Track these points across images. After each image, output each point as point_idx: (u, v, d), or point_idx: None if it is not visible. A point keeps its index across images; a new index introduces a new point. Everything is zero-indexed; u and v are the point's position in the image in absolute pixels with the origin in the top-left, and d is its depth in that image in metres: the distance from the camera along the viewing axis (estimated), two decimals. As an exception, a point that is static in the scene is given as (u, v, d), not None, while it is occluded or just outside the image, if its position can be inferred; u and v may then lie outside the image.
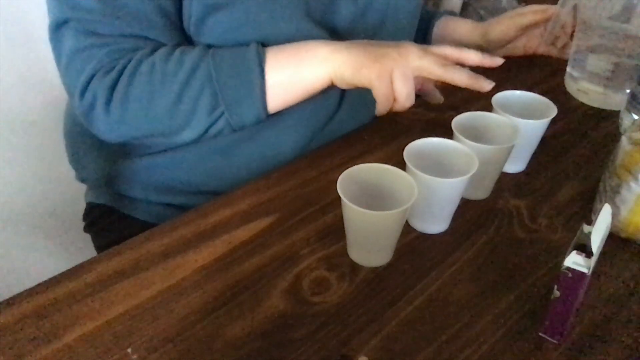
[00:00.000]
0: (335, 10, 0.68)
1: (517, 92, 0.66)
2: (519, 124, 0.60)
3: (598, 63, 0.80)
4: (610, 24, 0.78)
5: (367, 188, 0.53)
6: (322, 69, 0.63)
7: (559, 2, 0.85)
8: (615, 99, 0.81)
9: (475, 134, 0.59)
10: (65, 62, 0.63)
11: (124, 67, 0.61)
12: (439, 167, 0.56)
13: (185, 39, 0.66)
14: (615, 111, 0.79)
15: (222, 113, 0.62)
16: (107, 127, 0.64)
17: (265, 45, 0.64)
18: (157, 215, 0.75)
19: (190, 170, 0.71)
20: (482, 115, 0.62)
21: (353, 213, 0.49)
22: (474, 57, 0.65)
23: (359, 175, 0.52)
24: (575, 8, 0.84)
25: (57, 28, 0.61)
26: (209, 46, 0.64)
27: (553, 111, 0.63)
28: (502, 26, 0.86)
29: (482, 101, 0.67)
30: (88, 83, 0.61)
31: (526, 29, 0.87)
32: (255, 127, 0.66)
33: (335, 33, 0.69)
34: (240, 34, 0.64)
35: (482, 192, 0.62)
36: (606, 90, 0.81)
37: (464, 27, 0.88)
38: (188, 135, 0.64)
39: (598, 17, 0.79)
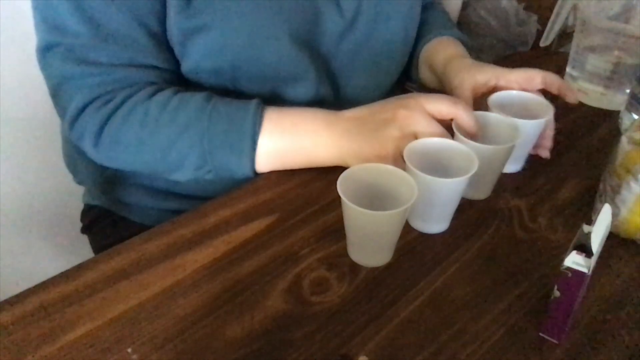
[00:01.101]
0: (321, 27, 0.67)
1: (513, 92, 0.66)
2: (518, 124, 0.60)
3: (598, 63, 0.80)
4: (610, 24, 0.78)
5: (367, 188, 0.53)
6: (327, 157, 0.62)
7: (559, 2, 0.85)
8: (615, 99, 0.81)
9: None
10: (55, 87, 0.62)
11: (118, 107, 0.61)
12: (439, 167, 0.56)
13: (177, 61, 0.65)
14: (615, 111, 0.79)
15: (210, 171, 0.62)
16: (96, 158, 0.64)
17: (248, 69, 0.64)
18: (154, 219, 0.75)
19: (173, 182, 0.71)
20: (482, 115, 0.62)
21: (353, 213, 0.49)
22: (473, 128, 0.59)
23: (359, 175, 0.52)
24: (575, 8, 0.84)
25: (46, 51, 0.60)
26: (211, 89, 0.64)
27: (550, 111, 0.63)
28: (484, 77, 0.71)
29: (481, 100, 0.67)
30: (78, 114, 0.61)
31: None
32: None
33: (320, 49, 0.69)
34: (220, 57, 0.63)
35: (482, 193, 0.62)
36: (606, 90, 0.81)
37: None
38: (177, 178, 0.64)
39: (598, 17, 0.79)
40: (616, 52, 0.78)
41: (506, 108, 0.62)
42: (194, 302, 0.49)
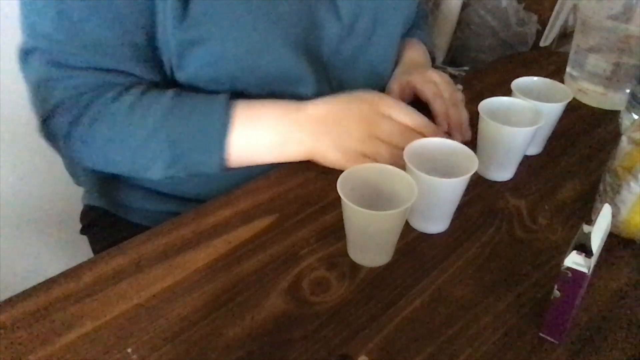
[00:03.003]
0: (320, 33, 0.67)
1: (534, 77, 0.71)
2: (541, 107, 0.64)
3: (598, 63, 0.80)
4: (610, 24, 0.78)
5: (367, 188, 0.53)
6: (296, 154, 0.63)
7: (559, 2, 0.85)
8: (615, 99, 0.81)
9: (500, 118, 0.62)
10: (32, 90, 0.62)
11: (87, 106, 0.60)
12: (439, 166, 0.56)
13: (159, 71, 0.64)
14: (615, 111, 0.79)
15: (180, 170, 0.62)
16: (68, 158, 0.65)
17: (247, 78, 0.64)
18: (154, 221, 0.75)
19: (182, 181, 0.70)
20: (507, 100, 0.65)
21: (353, 213, 0.49)
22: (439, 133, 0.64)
23: (359, 175, 0.52)
24: (575, 8, 0.84)
25: (26, 55, 0.61)
26: (186, 85, 0.64)
27: (568, 95, 0.67)
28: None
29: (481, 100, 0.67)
30: (50, 115, 0.61)
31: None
32: None
33: (319, 56, 0.68)
34: (218, 67, 0.63)
35: (506, 174, 0.66)
36: (606, 90, 0.81)
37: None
38: (149, 177, 0.64)
39: (598, 17, 0.79)
40: (616, 52, 0.78)
41: (528, 93, 0.66)
42: (194, 302, 0.49)
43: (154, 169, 0.62)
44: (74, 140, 0.62)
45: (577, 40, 0.82)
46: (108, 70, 0.61)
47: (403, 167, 0.53)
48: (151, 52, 0.62)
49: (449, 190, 0.54)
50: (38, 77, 0.61)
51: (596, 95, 0.82)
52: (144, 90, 0.62)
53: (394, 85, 0.76)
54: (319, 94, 0.69)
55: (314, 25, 0.66)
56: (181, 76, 0.65)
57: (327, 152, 0.62)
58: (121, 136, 0.61)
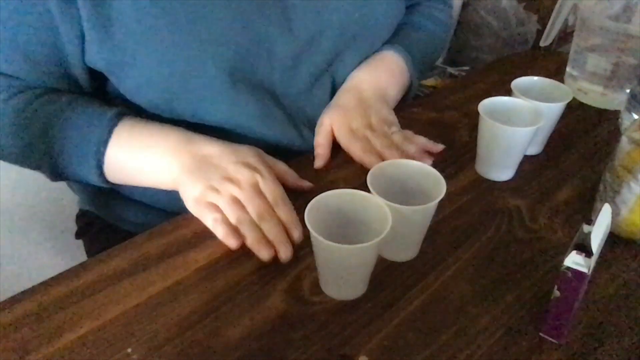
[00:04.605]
0: (268, 51, 0.62)
1: (534, 77, 0.71)
2: (541, 107, 0.64)
3: (598, 63, 0.80)
4: (610, 24, 0.78)
5: (338, 215, 0.49)
6: (167, 184, 0.60)
7: (559, 2, 0.85)
8: (615, 99, 0.81)
9: (500, 118, 0.61)
10: None
11: None
12: (406, 189, 0.54)
13: (70, 85, 0.63)
14: (615, 111, 0.79)
15: (67, 178, 0.63)
16: None
17: (178, 104, 0.61)
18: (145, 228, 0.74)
19: (170, 197, 0.67)
20: (507, 99, 0.65)
21: (323, 246, 0.45)
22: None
23: (329, 202, 0.49)
24: (575, 8, 0.84)
25: None
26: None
27: (568, 95, 0.67)
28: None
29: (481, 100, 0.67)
30: None
31: None
32: None
33: (267, 79, 0.64)
34: (149, 90, 0.61)
35: (506, 175, 0.65)
36: (606, 90, 0.81)
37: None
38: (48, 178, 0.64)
39: (598, 17, 0.79)
40: (616, 52, 0.78)
41: (528, 93, 0.66)
42: (194, 302, 0.49)
43: (44, 172, 0.63)
44: None
45: (577, 40, 0.82)
46: (9, 76, 0.61)
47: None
48: (60, 68, 0.61)
49: (418, 217, 0.51)
50: None
51: (596, 95, 0.82)
52: (39, 94, 0.61)
53: (325, 119, 0.68)
54: (264, 120, 0.65)
55: (259, 44, 0.61)
56: (126, 95, 0.63)
57: (180, 183, 0.58)
58: (7, 138, 0.61)
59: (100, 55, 0.59)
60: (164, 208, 0.71)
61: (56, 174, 0.62)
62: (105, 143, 0.59)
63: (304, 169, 0.65)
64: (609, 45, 0.78)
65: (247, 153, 0.59)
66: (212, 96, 0.62)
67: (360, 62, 0.73)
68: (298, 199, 0.61)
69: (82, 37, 0.58)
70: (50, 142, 0.60)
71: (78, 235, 0.84)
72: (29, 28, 0.57)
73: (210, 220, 0.55)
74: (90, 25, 0.56)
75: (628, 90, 0.75)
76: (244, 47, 0.61)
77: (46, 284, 0.50)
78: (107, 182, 0.62)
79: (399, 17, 0.77)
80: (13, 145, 0.62)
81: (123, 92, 0.63)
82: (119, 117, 0.60)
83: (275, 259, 0.53)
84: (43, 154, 0.61)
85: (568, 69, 0.86)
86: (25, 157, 0.63)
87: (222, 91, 0.61)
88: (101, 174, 0.60)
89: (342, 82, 0.72)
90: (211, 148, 0.59)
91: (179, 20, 0.57)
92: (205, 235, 0.56)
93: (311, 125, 0.70)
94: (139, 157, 0.60)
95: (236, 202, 0.55)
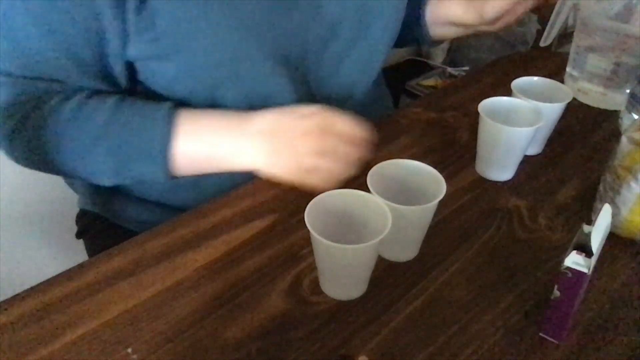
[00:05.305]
0: (302, 37, 0.64)
1: (535, 77, 0.71)
2: (541, 107, 0.64)
3: (598, 63, 0.80)
4: (610, 24, 0.78)
5: (337, 215, 0.49)
6: (244, 165, 0.61)
7: (559, 2, 0.85)
8: (615, 99, 0.81)
9: (500, 118, 0.61)
10: None
11: (30, 112, 0.59)
12: (405, 189, 0.54)
13: (111, 82, 0.62)
14: (615, 111, 0.79)
15: (126, 178, 0.62)
16: (15, 160, 0.64)
17: (224, 90, 0.62)
18: (146, 227, 0.74)
19: (178, 191, 0.70)
20: (506, 100, 0.65)
21: (323, 247, 0.46)
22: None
23: (328, 202, 0.49)
24: (575, 8, 0.84)
25: None
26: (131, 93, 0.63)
27: (568, 95, 0.67)
28: (498, 3, 0.80)
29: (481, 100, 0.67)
30: None
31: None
32: None
33: (303, 60, 0.66)
34: (193, 79, 0.61)
35: (506, 174, 0.65)
36: (606, 90, 0.81)
37: (457, 8, 0.81)
38: (99, 183, 0.63)
39: (598, 17, 0.79)
40: (616, 52, 0.78)
41: (528, 93, 0.66)
42: (194, 302, 0.49)
43: (100, 176, 0.62)
44: (18, 144, 0.61)
45: (577, 40, 0.82)
46: (51, 80, 0.59)
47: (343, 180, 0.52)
48: (100, 66, 0.60)
49: (418, 218, 0.51)
50: None
51: (596, 95, 0.82)
52: (87, 96, 0.61)
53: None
54: (301, 97, 0.67)
55: (294, 30, 0.63)
56: (157, 86, 0.63)
57: (270, 167, 0.60)
58: (65, 144, 0.60)
59: (141, 48, 0.59)
60: (165, 203, 0.71)
61: (118, 173, 0.61)
62: (168, 137, 0.59)
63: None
64: (609, 46, 0.78)
65: (312, 111, 0.61)
66: (256, 81, 0.63)
67: (374, 52, 0.75)
68: (299, 198, 0.61)
69: (126, 31, 0.58)
70: (111, 140, 0.59)
71: (79, 235, 0.84)
72: (77, 29, 0.57)
73: (315, 182, 0.57)
74: (135, 17, 0.56)
75: (628, 90, 0.75)
76: (283, 33, 0.63)
77: (46, 284, 0.50)
78: (173, 177, 0.61)
79: (401, 17, 0.79)
80: (74, 146, 0.60)
81: (156, 86, 0.63)
82: (174, 110, 0.60)
83: (276, 258, 0.53)
84: (104, 154, 0.60)
85: (568, 69, 0.86)
86: (86, 161, 0.61)
87: (266, 75, 0.63)
88: (168, 169, 0.60)
89: (358, 72, 0.74)
90: (278, 119, 0.61)
91: (224, 6, 0.58)
92: (206, 235, 0.56)
93: (337, 105, 0.72)
94: (211, 145, 0.60)
95: (324, 154, 0.58)
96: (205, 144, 0.60)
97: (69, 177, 0.65)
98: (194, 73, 0.61)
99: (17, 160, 0.63)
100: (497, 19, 0.79)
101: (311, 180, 0.58)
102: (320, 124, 0.59)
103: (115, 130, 0.59)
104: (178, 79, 0.62)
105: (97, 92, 0.62)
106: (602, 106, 0.82)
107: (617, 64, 0.79)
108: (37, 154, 0.61)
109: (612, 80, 0.80)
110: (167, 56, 0.60)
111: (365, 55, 0.73)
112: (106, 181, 0.62)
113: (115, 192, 0.73)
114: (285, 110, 0.61)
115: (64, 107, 0.59)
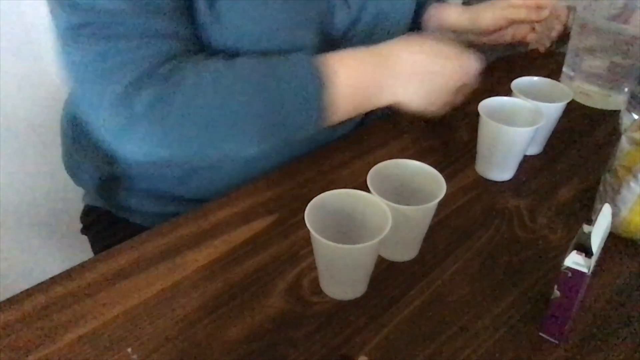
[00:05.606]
0: (331, 19, 0.67)
1: (534, 77, 0.71)
2: (542, 107, 0.64)
3: (594, 63, 0.81)
4: (607, 25, 0.78)
5: (337, 215, 0.49)
6: (388, 101, 0.65)
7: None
8: (615, 99, 0.81)
9: (500, 118, 0.62)
10: (84, 74, 0.54)
11: (167, 78, 0.54)
12: (405, 190, 0.54)
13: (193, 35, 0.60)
14: (615, 111, 0.79)
15: (279, 137, 0.61)
16: (144, 148, 0.56)
17: (264, 44, 0.62)
18: (154, 222, 0.74)
19: (181, 183, 0.70)
20: (506, 100, 0.66)
21: (323, 246, 0.46)
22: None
23: (328, 202, 0.49)
24: (572, 8, 0.85)
25: (70, 36, 0.53)
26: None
27: (568, 95, 0.67)
28: (492, 15, 0.86)
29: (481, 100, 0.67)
30: (124, 96, 0.53)
31: (517, 21, 0.87)
32: None
33: (330, 39, 0.68)
34: (239, 46, 0.60)
35: (507, 174, 0.66)
36: (605, 90, 0.81)
37: (453, 13, 0.87)
38: (239, 152, 0.61)
39: (595, 17, 0.79)
40: (613, 53, 0.78)
41: (528, 93, 0.66)
42: (194, 302, 0.49)
43: (248, 144, 0.59)
44: (165, 122, 0.55)
45: (575, 41, 0.82)
46: (165, 35, 0.55)
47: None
48: (189, 14, 0.58)
49: (418, 217, 0.50)
50: (93, 56, 0.53)
51: (596, 95, 0.82)
52: (224, 58, 0.59)
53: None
54: None
55: (325, 10, 0.66)
56: (224, 35, 0.61)
57: (414, 102, 0.65)
58: (220, 108, 0.56)
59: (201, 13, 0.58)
60: (170, 192, 0.72)
61: (268, 138, 0.59)
62: (321, 80, 0.59)
63: (312, 165, 0.65)
64: (606, 46, 0.78)
65: (448, 51, 0.67)
66: (290, 46, 0.63)
67: (397, 25, 0.77)
68: (299, 198, 0.61)
69: None
70: (264, 97, 0.57)
71: (83, 232, 0.85)
72: None
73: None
74: None
75: (628, 90, 0.75)
76: (319, 12, 0.65)
77: (46, 284, 0.50)
78: (322, 125, 0.61)
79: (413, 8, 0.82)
80: (228, 108, 0.56)
81: (224, 33, 0.61)
82: (316, 57, 0.61)
83: (276, 258, 0.53)
84: (263, 108, 0.57)
85: (564, 69, 0.86)
86: (243, 120, 0.57)
87: (306, 51, 0.63)
88: (322, 114, 0.60)
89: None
90: (423, 61, 0.66)
91: None
92: (206, 235, 0.56)
93: None
94: (362, 84, 0.63)
95: (461, 90, 0.66)
96: (356, 86, 0.62)
97: (202, 157, 0.64)
98: (237, 44, 0.61)
99: (147, 153, 0.57)
100: (489, 32, 0.83)
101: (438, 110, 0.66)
102: (462, 65, 0.66)
103: (271, 85, 0.57)
104: (226, 44, 0.61)
105: (225, 58, 0.59)
106: (602, 106, 0.82)
107: (613, 64, 0.79)
108: (183, 133, 0.56)
109: (611, 80, 0.80)
110: (213, 26, 0.59)
111: (384, 39, 0.75)
112: (251, 149, 0.60)
113: (121, 183, 0.74)
114: (426, 44, 0.67)
115: (205, 71, 0.56)
